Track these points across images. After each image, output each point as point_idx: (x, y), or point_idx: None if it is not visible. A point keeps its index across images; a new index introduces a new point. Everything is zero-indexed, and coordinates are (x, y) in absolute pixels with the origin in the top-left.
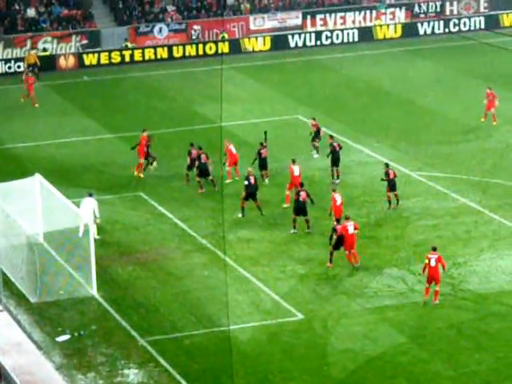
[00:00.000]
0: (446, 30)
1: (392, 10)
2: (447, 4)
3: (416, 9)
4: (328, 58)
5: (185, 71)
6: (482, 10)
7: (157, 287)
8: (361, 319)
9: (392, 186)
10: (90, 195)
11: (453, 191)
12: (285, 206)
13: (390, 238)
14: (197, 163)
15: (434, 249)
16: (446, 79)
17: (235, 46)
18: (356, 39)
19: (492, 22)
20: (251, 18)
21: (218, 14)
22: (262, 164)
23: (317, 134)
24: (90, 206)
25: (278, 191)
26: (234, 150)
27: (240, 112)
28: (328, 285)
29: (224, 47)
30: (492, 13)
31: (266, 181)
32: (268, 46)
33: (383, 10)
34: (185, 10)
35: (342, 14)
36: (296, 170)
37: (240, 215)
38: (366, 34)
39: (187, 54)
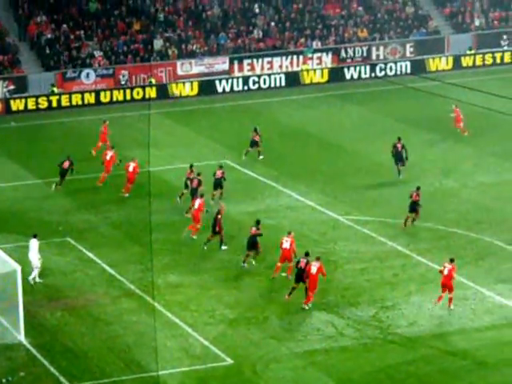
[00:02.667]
0: (373, 75)
1: (319, 54)
2: (373, 49)
3: (342, 53)
4: (255, 102)
5: (112, 116)
6: (408, 54)
7: (85, 333)
8: (290, 363)
9: (411, 208)
10: (35, 236)
11: (380, 235)
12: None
13: (319, 282)
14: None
15: (452, 260)
16: (373, 123)
17: (163, 91)
18: (283, 84)
19: (418, 67)
20: (178, 63)
21: (145, 59)
22: (216, 183)
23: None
24: (35, 248)
25: (207, 235)
26: (130, 169)
27: (168, 157)
28: (257, 329)
29: (151, 92)
30: (418, 57)
31: (212, 202)
32: (195, 90)
33: (310, 55)
34: (112, 55)
35: (269, 58)
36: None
37: (224, 247)
38: (293, 78)
39: (114, 99)
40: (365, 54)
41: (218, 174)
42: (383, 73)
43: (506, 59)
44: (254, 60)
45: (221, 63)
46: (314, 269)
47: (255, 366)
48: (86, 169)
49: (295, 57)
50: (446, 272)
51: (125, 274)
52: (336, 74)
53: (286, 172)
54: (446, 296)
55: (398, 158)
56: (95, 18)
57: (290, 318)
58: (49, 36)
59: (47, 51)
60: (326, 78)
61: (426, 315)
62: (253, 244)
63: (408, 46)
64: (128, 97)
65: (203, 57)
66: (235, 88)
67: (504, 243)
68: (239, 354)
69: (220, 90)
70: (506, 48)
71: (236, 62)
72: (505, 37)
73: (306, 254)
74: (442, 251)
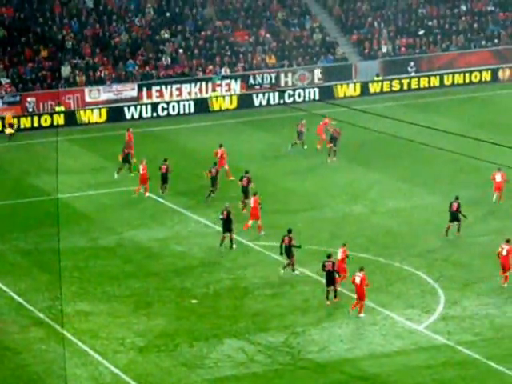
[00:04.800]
0: (281, 101)
1: (227, 81)
2: (282, 75)
3: (251, 80)
4: (164, 129)
5: (20, 144)
6: (316, 81)
7: None
8: None
9: (452, 218)
10: None
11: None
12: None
13: (230, 308)
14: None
15: (508, 241)
16: (282, 150)
17: (71, 118)
18: (192, 111)
19: (326, 93)
20: (86, 89)
21: (53, 86)
22: (163, 178)
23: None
24: None
25: (117, 263)
26: (140, 170)
27: (77, 184)
28: (168, 356)
29: (59, 119)
30: (326, 84)
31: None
32: (104, 117)
33: (218, 82)
34: (19, 83)
35: (178, 85)
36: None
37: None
38: (202, 105)
39: (22, 126)
40: (273, 81)
41: (163, 168)
42: (292, 99)
43: (413, 85)
44: (163, 87)
45: (129, 90)
46: (357, 279)
47: None
48: None
49: (204, 83)
50: (504, 252)
51: (33, 303)
52: (245, 101)
53: (195, 198)
54: None
55: (333, 138)
56: (2, 45)
57: (200, 345)
58: None
59: None
60: (234, 104)
61: (336, 340)
62: (288, 253)
63: (316, 72)
64: (36, 124)
65: (111, 83)
66: (144, 115)
67: (413, 268)
68: (150, 382)
69: (129, 116)
70: (413, 74)
71: (145, 89)
72: (412, 63)
73: (329, 256)
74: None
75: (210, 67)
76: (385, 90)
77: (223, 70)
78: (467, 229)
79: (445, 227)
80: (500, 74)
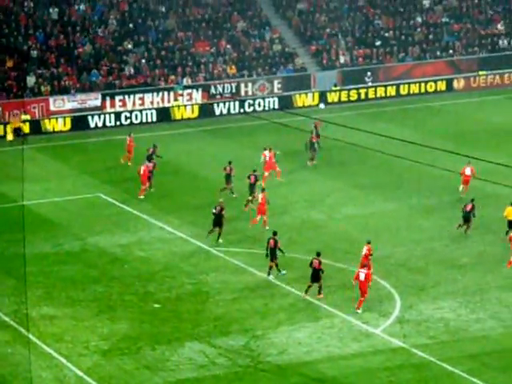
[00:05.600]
0: (242, 110)
1: (189, 91)
2: (242, 85)
3: (212, 90)
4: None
5: None
6: (276, 90)
7: None
8: None
9: (465, 218)
10: None
11: (250, 265)
12: None
13: (191, 312)
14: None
15: None
16: (243, 157)
17: (36, 127)
18: (154, 119)
19: (285, 102)
20: (51, 99)
21: (18, 96)
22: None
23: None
24: None
25: (82, 268)
26: (141, 172)
27: (41, 191)
28: (131, 359)
29: (25, 128)
30: (285, 93)
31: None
32: (68, 126)
33: (180, 91)
34: None
35: (141, 95)
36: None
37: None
38: (164, 114)
39: None
40: (234, 91)
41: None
42: (252, 108)
43: (370, 95)
44: (126, 96)
45: (93, 99)
46: (362, 275)
47: None
48: None
49: (166, 93)
50: None
51: None
52: (206, 110)
53: (158, 205)
54: None
55: (311, 146)
56: None
57: (162, 348)
58: None
59: None
60: (196, 113)
61: (295, 344)
62: (272, 255)
63: (275, 82)
64: (1, 132)
65: (76, 93)
66: (107, 123)
67: None
68: None
69: (92, 125)
70: (370, 84)
71: (108, 98)
72: (369, 73)
73: (318, 255)
74: None
75: (172, 77)
76: (343, 99)
77: (185, 79)
78: (423, 235)
79: (457, 224)
80: (455, 83)
